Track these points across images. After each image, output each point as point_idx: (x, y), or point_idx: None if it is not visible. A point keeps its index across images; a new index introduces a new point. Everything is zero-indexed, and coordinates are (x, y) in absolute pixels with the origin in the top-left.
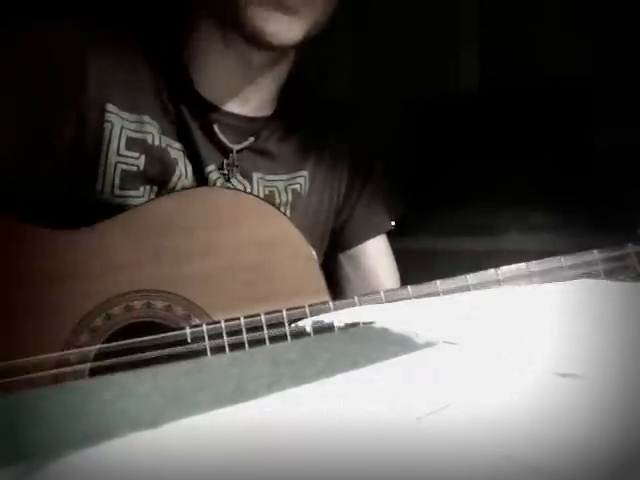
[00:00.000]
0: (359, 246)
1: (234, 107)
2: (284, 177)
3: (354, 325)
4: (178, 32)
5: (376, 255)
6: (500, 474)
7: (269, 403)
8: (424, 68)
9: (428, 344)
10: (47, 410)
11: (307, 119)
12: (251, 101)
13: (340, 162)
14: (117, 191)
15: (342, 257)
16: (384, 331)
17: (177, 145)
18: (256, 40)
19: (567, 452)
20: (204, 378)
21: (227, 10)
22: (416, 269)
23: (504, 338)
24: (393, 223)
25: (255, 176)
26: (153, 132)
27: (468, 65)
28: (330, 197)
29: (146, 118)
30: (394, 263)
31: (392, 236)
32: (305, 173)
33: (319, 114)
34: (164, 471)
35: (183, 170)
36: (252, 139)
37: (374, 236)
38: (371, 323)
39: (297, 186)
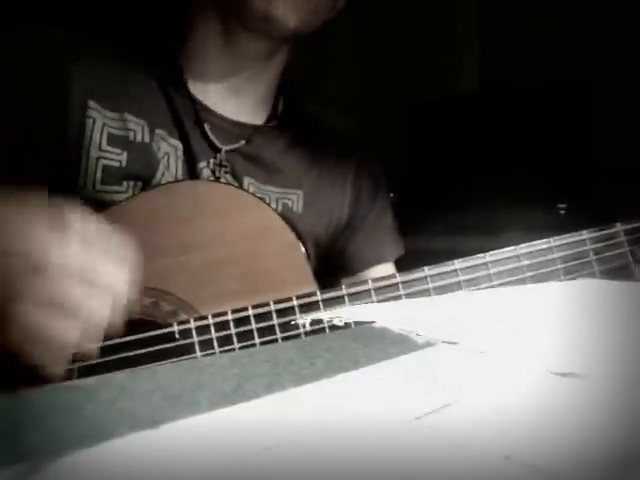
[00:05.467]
0: (364, 273)
1: (225, 110)
2: (277, 190)
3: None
4: (174, 32)
5: None
6: (500, 474)
7: (269, 403)
8: (425, 71)
9: (428, 344)
10: (46, 410)
11: (310, 141)
12: (241, 103)
13: (343, 189)
14: (99, 186)
15: (346, 282)
16: (384, 331)
17: (170, 139)
18: (260, 25)
19: (567, 452)
20: (204, 378)
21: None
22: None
23: (504, 338)
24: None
25: (247, 180)
26: (136, 129)
27: (469, 67)
28: (329, 221)
29: (129, 116)
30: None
31: None
32: (299, 192)
33: (324, 138)
34: (164, 471)
35: (173, 164)
36: (243, 142)
37: (379, 264)
38: (371, 322)
39: (288, 202)
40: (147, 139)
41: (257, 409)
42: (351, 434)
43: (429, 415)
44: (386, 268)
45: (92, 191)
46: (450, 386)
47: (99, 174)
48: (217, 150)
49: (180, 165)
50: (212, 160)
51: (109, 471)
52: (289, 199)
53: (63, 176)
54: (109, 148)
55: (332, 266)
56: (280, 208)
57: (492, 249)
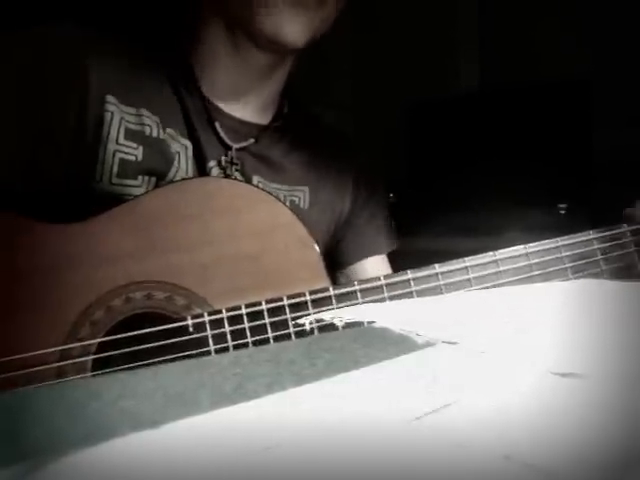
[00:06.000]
0: (356, 265)
1: (233, 110)
2: (284, 187)
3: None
4: (186, 32)
5: (373, 275)
6: (500, 474)
7: (269, 403)
8: (424, 71)
9: (428, 344)
10: (48, 409)
11: (312, 140)
12: (249, 105)
13: (344, 186)
14: (115, 179)
15: (339, 275)
16: (385, 331)
17: (181, 139)
18: (268, 45)
19: (567, 452)
20: (205, 377)
21: (239, 17)
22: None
23: (504, 338)
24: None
25: (255, 179)
26: (151, 125)
27: (468, 67)
28: (331, 217)
29: (144, 111)
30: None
31: None
32: (305, 189)
33: (325, 138)
34: (165, 471)
35: (184, 163)
36: (252, 140)
37: (370, 256)
38: (372, 322)
39: (296, 198)
40: (161, 135)
41: (257, 409)
42: (351, 434)
43: (429, 415)
44: (379, 261)
45: (108, 184)
46: (450, 386)
47: (115, 168)
48: (228, 148)
49: (190, 164)
50: (223, 157)
51: (109, 471)
52: (296, 196)
53: (79, 169)
54: (126, 142)
55: (328, 260)
56: (288, 205)
57: (493, 249)
